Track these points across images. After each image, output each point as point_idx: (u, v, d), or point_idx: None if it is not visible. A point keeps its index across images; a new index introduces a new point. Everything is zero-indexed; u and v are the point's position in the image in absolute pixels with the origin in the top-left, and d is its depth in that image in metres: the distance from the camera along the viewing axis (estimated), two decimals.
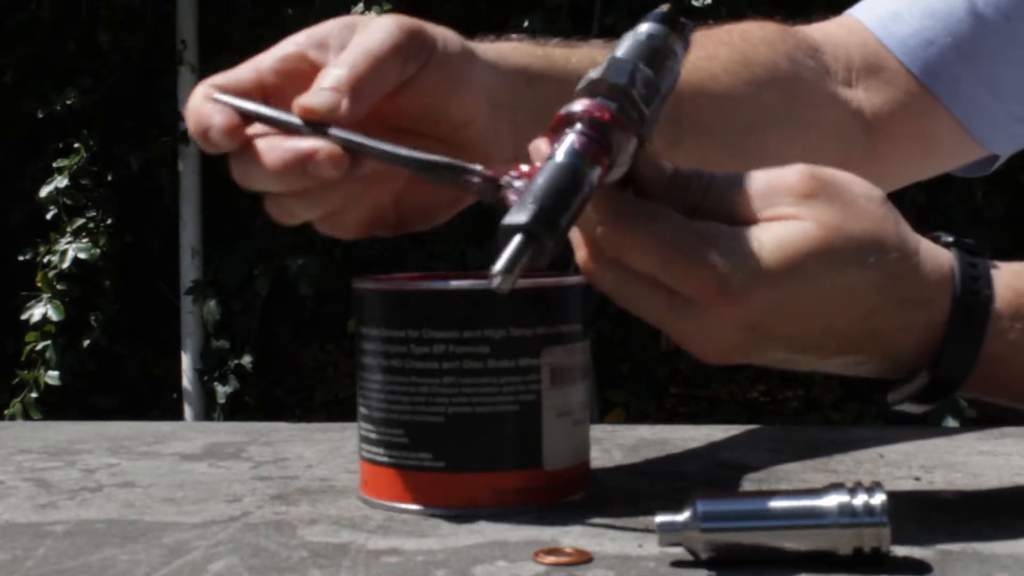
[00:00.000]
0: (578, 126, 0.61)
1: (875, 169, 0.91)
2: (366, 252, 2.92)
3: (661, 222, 0.61)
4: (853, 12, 0.98)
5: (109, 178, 3.05)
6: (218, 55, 3.02)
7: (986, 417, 2.81)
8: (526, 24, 2.67)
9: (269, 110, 0.68)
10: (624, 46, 0.64)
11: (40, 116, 3.06)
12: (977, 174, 1.01)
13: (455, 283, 0.70)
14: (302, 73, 0.69)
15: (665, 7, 0.66)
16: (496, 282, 0.57)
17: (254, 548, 0.63)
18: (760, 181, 0.63)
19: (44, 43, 3.16)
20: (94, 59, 3.13)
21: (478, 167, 0.63)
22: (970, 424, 2.62)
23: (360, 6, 2.68)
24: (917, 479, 0.76)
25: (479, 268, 0.78)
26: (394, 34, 0.68)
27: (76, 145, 3.02)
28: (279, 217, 0.71)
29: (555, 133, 0.61)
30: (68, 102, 3.03)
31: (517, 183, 0.61)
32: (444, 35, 0.71)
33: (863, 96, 0.92)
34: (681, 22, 0.66)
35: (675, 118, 0.80)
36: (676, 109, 0.80)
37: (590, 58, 0.79)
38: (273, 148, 0.67)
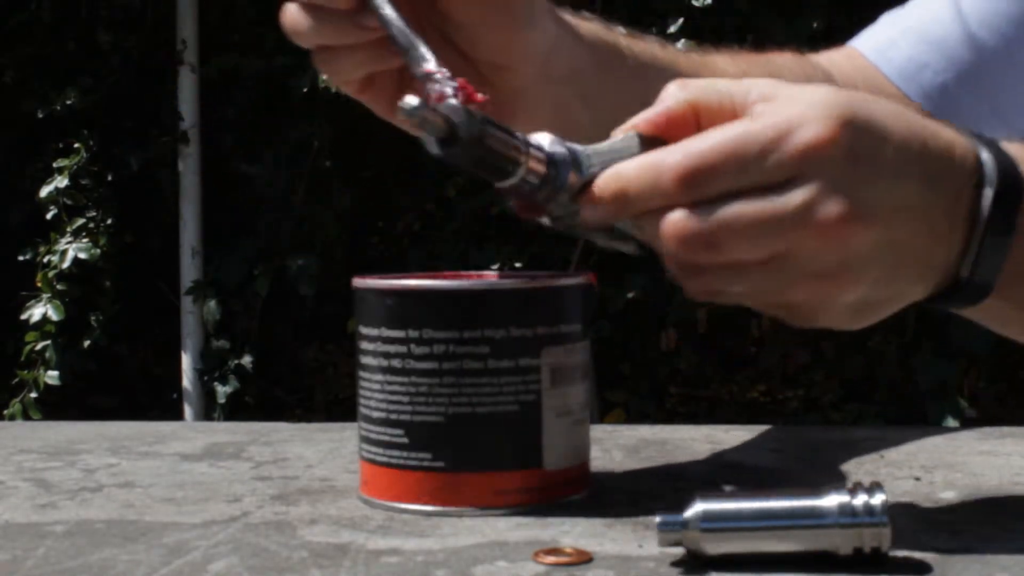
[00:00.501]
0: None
1: None
2: (366, 252, 2.92)
3: (710, 132, 0.60)
4: (853, 43, 1.00)
5: (109, 178, 3.05)
6: (218, 55, 3.03)
7: (986, 417, 2.81)
8: None
9: None
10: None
11: (40, 116, 3.06)
12: None
13: (455, 283, 0.70)
14: None
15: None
16: (404, 100, 0.60)
17: (254, 548, 0.63)
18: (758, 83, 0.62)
19: (44, 43, 3.16)
20: (94, 59, 3.13)
21: (427, 60, 0.66)
22: (970, 424, 2.62)
23: None
24: (917, 479, 0.76)
25: (479, 268, 0.78)
26: None
27: (76, 145, 3.02)
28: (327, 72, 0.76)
29: None
30: (68, 102, 3.03)
31: (447, 85, 0.63)
32: None
33: None
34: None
35: None
36: None
37: (650, 52, 0.80)
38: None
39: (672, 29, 2.56)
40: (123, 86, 3.10)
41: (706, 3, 2.56)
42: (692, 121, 0.62)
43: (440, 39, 0.73)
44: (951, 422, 2.55)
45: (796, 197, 0.59)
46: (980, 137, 0.64)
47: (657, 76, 0.78)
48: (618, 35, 0.81)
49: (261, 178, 2.98)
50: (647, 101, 0.64)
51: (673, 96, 0.63)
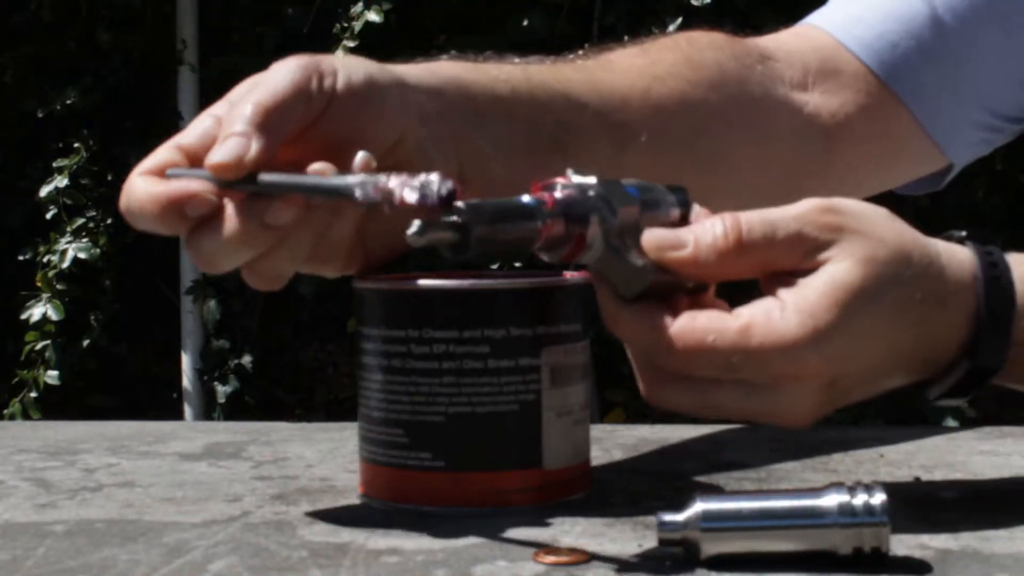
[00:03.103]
0: (546, 192, 0.64)
1: (835, 175, 0.92)
2: None
3: (707, 332, 0.62)
4: (809, 20, 0.99)
5: (109, 178, 3.05)
6: (218, 55, 3.02)
7: (986, 417, 2.81)
8: (525, 24, 2.67)
9: (193, 171, 0.68)
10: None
11: (40, 116, 3.06)
12: (925, 191, 1.01)
13: (455, 283, 0.70)
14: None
15: (679, 186, 0.69)
16: (411, 230, 0.59)
17: (254, 548, 0.63)
18: (789, 223, 0.63)
19: (44, 43, 3.15)
20: (94, 59, 3.13)
21: (369, 181, 0.62)
22: (970, 424, 2.62)
23: (360, 5, 2.68)
24: (917, 479, 0.76)
25: (479, 268, 0.78)
26: (293, 71, 0.68)
27: (76, 145, 3.02)
28: (202, 266, 0.70)
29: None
30: (68, 102, 3.02)
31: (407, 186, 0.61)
32: (347, 65, 0.71)
33: (819, 99, 0.92)
34: (682, 191, 0.69)
35: (621, 123, 0.81)
36: (622, 114, 0.81)
37: (522, 70, 0.80)
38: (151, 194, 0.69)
39: (671, 29, 2.56)
40: (123, 86, 3.10)
41: (705, 3, 2.55)
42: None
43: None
44: (951, 422, 2.55)
45: (775, 397, 0.63)
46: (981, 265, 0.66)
47: (549, 99, 0.79)
48: (481, 62, 0.80)
49: None
50: (541, 123, 0.72)
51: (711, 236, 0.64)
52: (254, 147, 0.66)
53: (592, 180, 0.64)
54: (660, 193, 0.67)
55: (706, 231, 0.63)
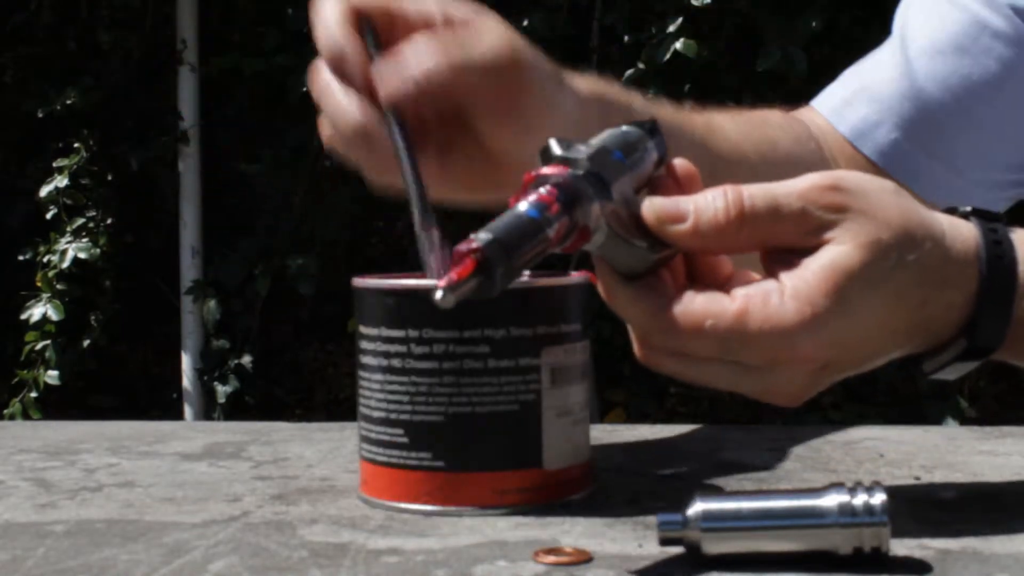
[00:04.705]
0: (543, 187, 0.62)
1: None
2: (366, 252, 2.92)
3: (705, 316, 0.62)
4: (814, 102, 1.02)
5: (109, 178, 3.05)
6: (218, 55, 3.03)
7: (986, 417, 2.81)
8: (526, 24, 2.67)
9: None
10: (598, 136, 0.66)
11: (40, 116, 3.06)
12: None
13: None
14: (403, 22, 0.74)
15: (648, 118, 0.69)
16: (439, 296, 0.58)
17: (254, 548, 0.63)
18: (792, 201, 0.63)
19: (44, 43, 3.16)
20: (94, 59, 3.13)
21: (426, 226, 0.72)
22: (970, 424, 2.62)
23: None
24: (917, 479, 0.76)
25: None
26: (500, 54, 0.74)
27: (76, 145, 3.02)
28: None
29: (523, 193, 0.62)
30: (68, 102, 3.03)
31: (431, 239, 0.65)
32: (539, 63, 0.75)
33: None
34: (656, 129, 0.68)
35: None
36: (740, 168, 0.82)
37: (649, 103, 0.82)
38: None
39: (672, 29, 2.56)
40: (123, 86, 3.10)
41: (706, 3, 2.55)
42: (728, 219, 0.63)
43: (460, 129, 0.75)
44: (951, 422, 2.55)
45: (768, 376, 0.63)
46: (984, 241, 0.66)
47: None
48: (632, 97, 0.82)
49: (261, 178, 2.98)
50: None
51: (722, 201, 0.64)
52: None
53: (580, 154, 0.63)
54: (640, 143, 0.66)
55: (707, 204, 0.63)
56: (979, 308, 0.64)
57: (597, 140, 0.65)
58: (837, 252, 0.61)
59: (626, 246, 0.63)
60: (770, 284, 0.62)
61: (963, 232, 0.65)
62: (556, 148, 0.63)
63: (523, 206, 0.61)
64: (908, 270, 0.62)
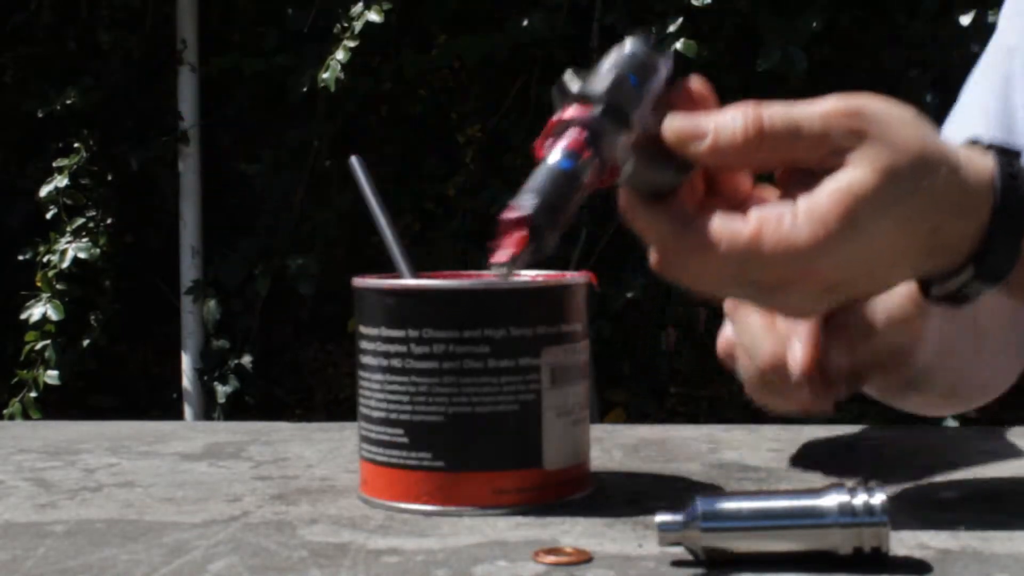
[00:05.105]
0: (569, 131, 0.62)
1: None
2: (366, 252, 2.92)
3: (720, 239, 0.62)
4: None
5: (109, 178, 3.05)
6: (218, 55, 3.02)
7: (986, 417, 2.81)
8: (526, 24, 2.67)
9: None
10: (608, 60, 0.65)
11: (40, 116, 3.06)
12: None
13: (455, 283, 0.70)
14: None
15: (646, 34, 0.68)
16: (498, 274, 0.58)
17: (254, 548, 0.63)
18: (813, 122, 0.63)
19: (44, 43, 3.15)
20: (94, 59, 3.13)
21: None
22: (970, 424, 2.62)
23: (360, 5, 2.68)
24: (917, 479, 0.76)
25: (479, 268, 0.78)
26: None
27: (76, 145, 3.02)
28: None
29: (548, 138, 0.62)
30: (68, 102, 3.03)
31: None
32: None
33: None
34: (659, 42, 0.67)
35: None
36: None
37: None
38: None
39: (672, 29, 2.56)
40: (123, 86, 3.10)
41: (706, 3, 2.55)
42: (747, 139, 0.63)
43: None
44: (951, 422, 2.55)
45: (779, 295, 0.64)
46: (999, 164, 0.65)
47: None
48: None
49: (261, 178, 2.98)
50: None
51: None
52: None
53: (598, 88, 0.62)
54: (650, 61, 0.65)
55: (727, 122, 0.63)
56: (990, 237, 0.64)
57: (609, 65, 0.64)
58: (853, 175, 0.62)
59: (650, 172, 0.63)
60: (784, 206, 0.62)
61: (980, 163, 0.65)
62: (573, 84, 0.63)
63: (555, 157, 0.61)
64: (922, 197, 0.63)
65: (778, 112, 0.63)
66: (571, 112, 0.62)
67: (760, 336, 0.74)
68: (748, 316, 0.74)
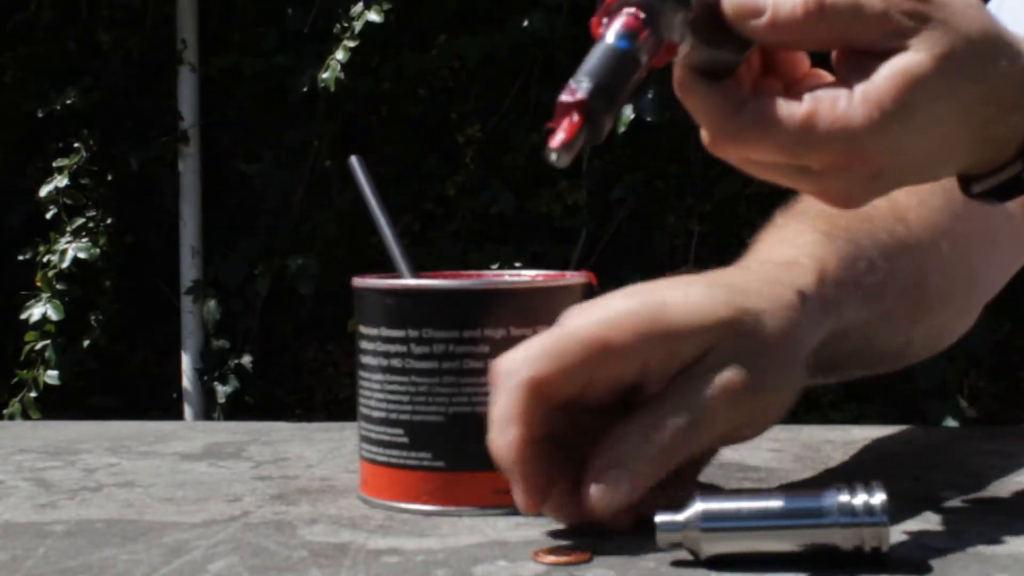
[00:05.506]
0: (625, 8, 0.60)
1: None
2: (366, 252, 2.92)
3: (773, 120, 0.61)
4: None
5: (109, 178, 3.05)
6: (218, 55, 3.02)
7: (986, 417, 2.81)
8: (526, 24, 2.67)
9: None
10: None
11: (40, 116, 3.06)
12: None
13: (455, 283, 0.70)
14: None
15: None
16: (554, 157, 0.57)
17: (254, 548, 0.63)
18: (875, 2, 0.61)
19: (44, 43, 3.15)
20: (94, 59, 3.13)
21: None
22: (970, 424, 2.62)
23: (360, 5, 2.68)
24: (917, 479, 0.76)
25: (479, 268, 0.78)
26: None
27: (76, 145, 3.02)
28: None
29: (604, 16, 0.61)
30: (68, 102, 3.03)
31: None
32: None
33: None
34: None
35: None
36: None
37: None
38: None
39: None
40: (123, 86, 3.10)
41: None
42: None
43: None
44: (951, 422, 2.55)
45: (828, 179, 0.63)
46: None
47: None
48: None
49: (261, 178, 2.98)
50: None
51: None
52: None
53: None
54: None
55: None
56: None
57: None
58: (911, 59, 0.61)
59: (708, 50, 0.62)
60: (840, 89, 0.62)
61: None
62: None
63: (612, 37, 0.59)
64: (979, 86, 0.62)
65: None
66: None
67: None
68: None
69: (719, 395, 0.63)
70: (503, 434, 0.63)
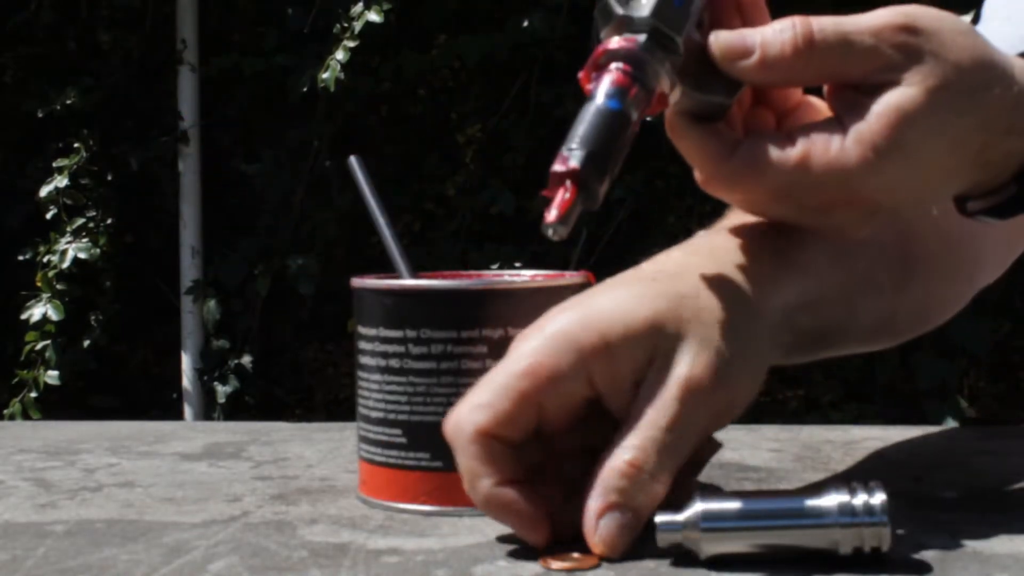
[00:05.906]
0: (614, 64, 0.60)
1: None
2: (366, 252, 2.92)
3: (767, 163, 0.61)
4: None
5: (109, 178, 3.05)
6: (218, 55, 3.03)
7: (986, 417, 2.81)
8: (526, 24, 2.67)
9: None
10: None
11: (40, 116, 3.06)
12: None
13: (453, 283, 0.70)
14: None
15: None
16: (551, 232, 0.57)
17: (254, 548, 0.63)
18: (865, 37, 0.61)
19: (44, 43, 3.16)
20: (94, 59, 3.13)
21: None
22: (970, 424, 2.62)
23: (360, 5, 2.68)
24: (917, 479, 0.76)
25: (479, 268, 0.78)
26: None
27: (76, 145, 3.02)
28: None
29: (593, 71, 0.60)
30: (68, 102, 3.03)
31: None
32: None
33: None
34: None
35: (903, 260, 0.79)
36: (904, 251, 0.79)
37: None
38: None
39: None
40: (123, 86, 3.10)
41: None
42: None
43: None
44: (951, 422, 2.55)
45: (824, 216, 0.63)
46: None
47: None
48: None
49: (261, 178, 2.98)
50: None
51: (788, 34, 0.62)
52: None
53: (642, 10, 0.60)
54: None
55: (775, 36, 0.61)
56: None
57: None
58: (904, 95, 0.60)
59: (698, 94, 0.62)
60: (832, 127, 0.61)
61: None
62: (616, 5, 0.61)
63: (602, 98, 0.59)
64: (972, 115, 0.61)
65: (828, 25, 0.61)
66: (616, 43, 0.60)
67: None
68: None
69: (681, 395, 0.60)
70: (476, 489, 0.61)
